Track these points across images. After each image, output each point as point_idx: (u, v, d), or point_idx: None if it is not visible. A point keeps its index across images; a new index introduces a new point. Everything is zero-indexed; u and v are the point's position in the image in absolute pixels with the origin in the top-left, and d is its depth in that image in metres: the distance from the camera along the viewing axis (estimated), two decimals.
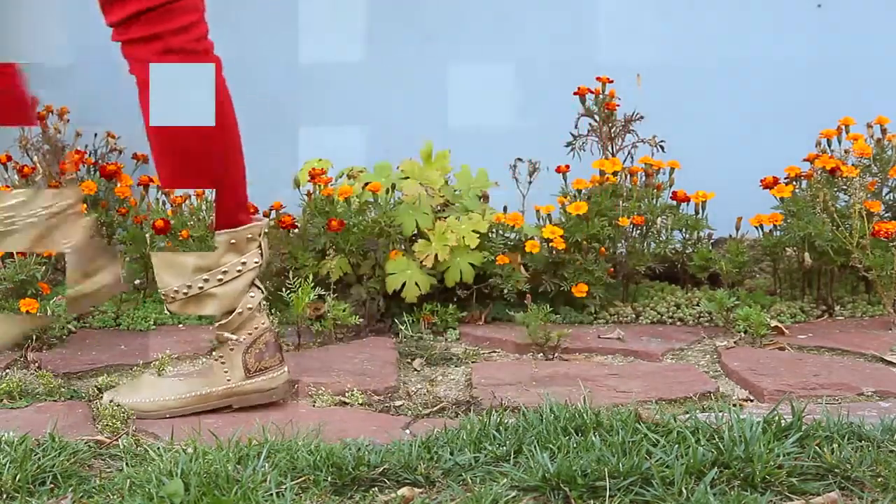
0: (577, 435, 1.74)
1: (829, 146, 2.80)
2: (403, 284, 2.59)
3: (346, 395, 2.16)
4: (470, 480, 1.64)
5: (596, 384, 2.19)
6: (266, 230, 2.08)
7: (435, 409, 2.10)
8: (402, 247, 2.64)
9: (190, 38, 1.96)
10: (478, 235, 2.63)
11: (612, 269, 2.68)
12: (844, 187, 2.67)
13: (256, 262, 2.05)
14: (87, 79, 3.43)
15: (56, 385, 2.21)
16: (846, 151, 2.76)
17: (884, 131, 2.80)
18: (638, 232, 2.73)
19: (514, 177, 2.88)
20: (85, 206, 2.83)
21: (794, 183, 2.71)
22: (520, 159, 2.91)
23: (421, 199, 2.66)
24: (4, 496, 1.62)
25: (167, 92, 1.94)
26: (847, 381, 2.15)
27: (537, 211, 2.73)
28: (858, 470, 1.62)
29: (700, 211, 2.78)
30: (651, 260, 2.73)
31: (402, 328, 2.54)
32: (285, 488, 1.59)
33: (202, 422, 1.92)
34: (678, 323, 2.67)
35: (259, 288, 2.08)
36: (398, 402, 2.15)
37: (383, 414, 2.08)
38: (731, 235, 2.81)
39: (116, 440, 1.87)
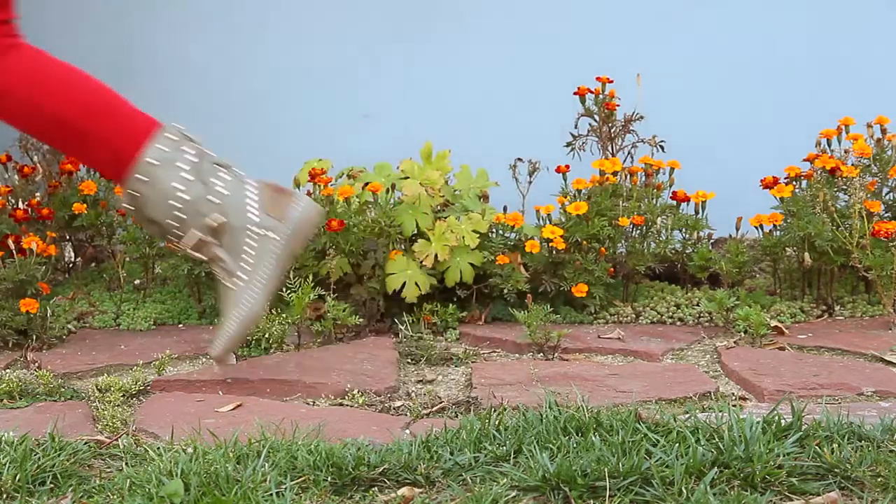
0: (577, 435, 1.74)
1: (829, 146, 2.80)
2: (403, 284, 2.59)
3: (346, 395, 2.16)
4: (470, 480, 1.64)
5: (596, 384, 2.19)
6: None
7: (435, 409, 2.10)
8: (402, 247, 2.64)
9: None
10: (478, 235, 2.63)
11: (612, 269, 2.68)
12: (844, 187, 2.67)
13: None
14: None
15: (56, 385, 2.21)
16: (846, 151, 2.76)
17: (884, 131, 2.80)
18: (638, 232, 2.73)
19: (514, 177, 2.88)
20: (84, 206, 2.83)
21: (794, 183, 2.71)
22: (520, 159, 2.91)
23: (421, 199, 2.66)
24: (4, 496, 1.62)
25: None
26: (847, 381, 2.15)
27: (537, 211, 2.73)
28: (858, 470, 1.62)
29: (700, 211, 2.78)
30: (651, 260, 2.73)
31: (402, 328, 2.54)
32: (285, 488, 1.59)
33: (202, 422, 1.92)
34: (678, 323, 2.67)
35: None
36: (398, 402, 2.15)
37: (383, 414, 2.08)
38: (731, 235, 2.81)
39: (116, 440, 1.87)
